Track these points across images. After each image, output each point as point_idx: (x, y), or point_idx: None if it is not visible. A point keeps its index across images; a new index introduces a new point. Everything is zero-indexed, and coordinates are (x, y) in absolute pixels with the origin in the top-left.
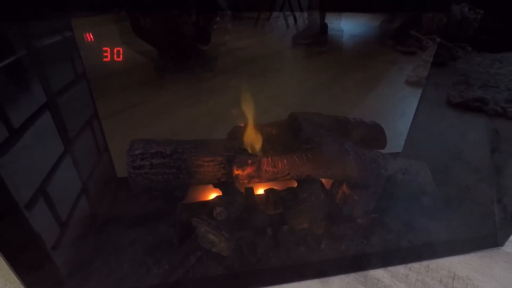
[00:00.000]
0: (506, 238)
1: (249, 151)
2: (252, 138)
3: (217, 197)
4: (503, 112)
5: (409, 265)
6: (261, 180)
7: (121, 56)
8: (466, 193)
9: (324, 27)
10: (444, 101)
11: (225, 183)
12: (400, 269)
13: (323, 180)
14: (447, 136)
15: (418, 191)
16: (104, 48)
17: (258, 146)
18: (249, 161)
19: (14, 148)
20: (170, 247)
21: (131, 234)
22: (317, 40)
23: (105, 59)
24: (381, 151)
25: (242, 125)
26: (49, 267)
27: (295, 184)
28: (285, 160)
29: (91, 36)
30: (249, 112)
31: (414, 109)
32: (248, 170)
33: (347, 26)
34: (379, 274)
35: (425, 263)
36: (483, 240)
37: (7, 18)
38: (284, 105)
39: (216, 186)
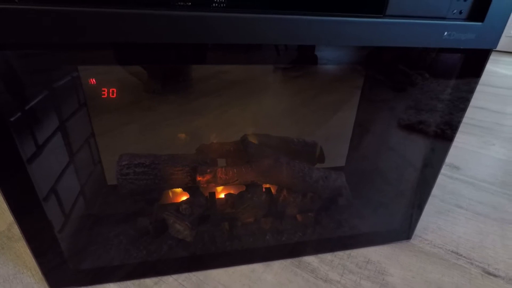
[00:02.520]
0: (412, 232)
1: (210, 163)
2: (214, 153)
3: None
4: (441, 133)
5: (335, 253)
6: (217, 184)
7: (115, 94)
8: (385, 198)
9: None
10: (396, 123)
11: (192, 188)
12: (328, 256)
13: (272, 187)
14: (386, 153)
15: (335, 193)
16: (103, 88)
17: (218, 159)
18: (208, 170)
19: (38, 158)
20: (147, 238)
21: (117, 228)
22: (295, 65)
23: (103, 96)
24: (324, 164)
25: (207, 143)
26: (56, 249)
27: (244, 188)
28: (234, 170)
29: (94, 80)
30: (215, 133)
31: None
32: (207, 177)
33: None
34: (310, 259)
35: (347, 252)
36: (395, 234)
37: (36, 71)
38: (257, 125)
39: (185, 190)
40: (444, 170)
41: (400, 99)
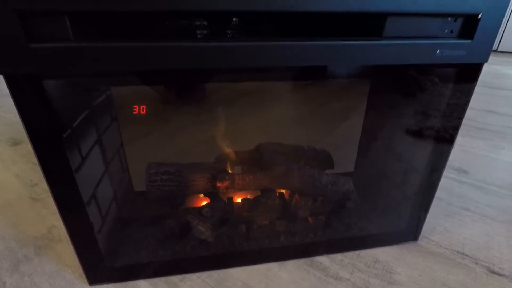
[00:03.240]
0: (419, 233)
1: (229, 171)
2: (231, 161)
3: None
4: (442, 137)
5: (345, 253)
6: (235, 190)
7: (144, 110)
8: (392, 201)
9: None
10: (404, 129)
11: (212, 193)
12: (338, 256)
13: (285, 192)
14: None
15: (344, 197)
16: (134, 106)
17: (235, 166)
18: (227, 177)
19: (82, 167)
20: (173, 239)
21: (146, 230)
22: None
23: (134, 113)
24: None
25: (225, 152)
26: (95, 248)
27: (259, 193)
28: (250, 176)
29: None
30: (232, 142)
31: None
32: (226, 183)
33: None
34: (322, 259)
35: (357, 252)
36: (403, 235)
37: (80, 93)
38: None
39: (206, 195)
40: (452, 174)
41: (404, 105)
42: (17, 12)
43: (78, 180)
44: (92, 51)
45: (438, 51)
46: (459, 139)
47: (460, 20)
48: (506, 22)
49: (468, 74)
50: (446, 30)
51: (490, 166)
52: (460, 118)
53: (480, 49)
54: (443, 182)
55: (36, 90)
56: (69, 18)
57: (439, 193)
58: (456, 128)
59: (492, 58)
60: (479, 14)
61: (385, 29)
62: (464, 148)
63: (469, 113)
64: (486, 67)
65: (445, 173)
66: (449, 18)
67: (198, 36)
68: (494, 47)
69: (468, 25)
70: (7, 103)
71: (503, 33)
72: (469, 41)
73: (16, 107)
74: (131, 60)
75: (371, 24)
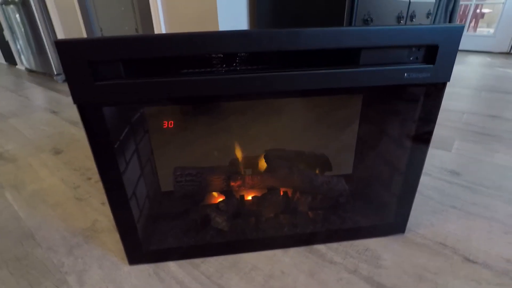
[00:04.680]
0: (405, 226)
1: (241, 172)
2: (243, 165)
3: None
4: (425, 142)
5: (340, 242)
6: (246, 188)
7: (172, 125)
8: (382, 198)
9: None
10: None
11: (227, 191)
12: (334, 245)
13: (288, 190)
14: (380, 161)
15: (337, 194)
16: (164, 121)
17: (246, 169)
18: (239, 178)
19: (126, 171)
20: (196, 229)
21: (173, 221)
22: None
23: (164, 127)
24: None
25: (237, 156)
26: (135, 235)
27: (266, 191)
28: (258, 177)
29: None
30: (242, 148)
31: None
32: (238, 183)
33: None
34: (320, 247)
35: (350, 242)
36: (391, 228)
37: (124, 114)
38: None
39: (222, 193)
40: (445, 176)
41: (388, 115)
42: (87, 61)
43: (124, 181)
44: (138, 85)
45: (406, 74)
46: (457, 144)
47: (423, 50)
48: None
49: (434, 91)
50: (412, 57)
51: (482, 169)
52: (432, 125)
53: (441, 71)
54: (435, 182)
55: (98, 114)
56: (122, 63)
57: (430, 192)
58: (429, 134)
59: (504, 61)
60: (437, 45)
61: (361, 59)
62: (460, 152)
63: (470, 118)
64: (496, 71)
65: (438, 174)
66: (413, 48)
67: (215, 71)
68: (507, 50)
69: (430, 53)
70: (45, 118)
71: None
72: (431, 65)
73: (84, 126)
74: (165, 90)
75: (349, 56)
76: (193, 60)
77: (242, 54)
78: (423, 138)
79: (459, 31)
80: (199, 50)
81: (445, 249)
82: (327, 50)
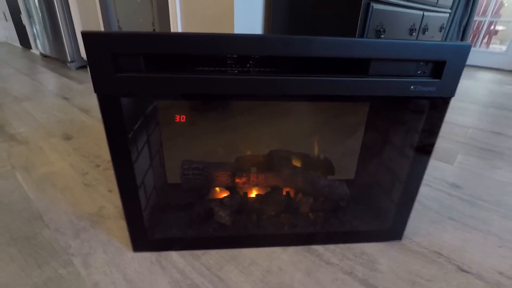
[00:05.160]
0: (402, 234)
1: (245, 170)
2: (248, 163)
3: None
4: (427, 154)
5: (338, 245)
6: (250, 186)
7: (184, 119)
8: (381, 204)
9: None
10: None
11: (231, 187)
12: (331, 246)
13: (290, 190)
14: (382, 168)
15: (338, 198)
16: (176, 116)
17: (251, 167)
18: (244, 175)
19: (138, 160)
20: (199, 221)
21: (178, 213)
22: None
23: (176, 121)
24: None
25: (243, 154)
26: (141, 222)
27: (269, 190)
28: (263, 175)
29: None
30: (249, 146)
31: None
32: (243, 180)
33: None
34: (317, 248)
35: (348, 245)
36: (389, 234)
37: (139, 106)
38: (280, 141)
39: (226, 188)
40: (445, 188)
41: (393, 125)
42: (111, 53)
43: (135, 170)
44: (156, 79)
45: (412, 87)
46: (459, 157)
47: (430, 64)
48: None
49: (439, 104)
50: (419, 71)
51: (482, 183)
52: (435, 137)
53: (447, 86)
54: (435, 193)
55: (115, 105)
56: (143, 57)
57: (429, 203)
58: (431, 146)
59: (510, 78)
60: (445, 61)
61: (370, 69)
62: (463, 165)
63: (475, 133)
64: (506, 89)
65: (439, 186)
66: (421, 63)
67: (229, 71)
68: None
69: (437, 68)
70: (57, 103)
71: None
72: (437, 80)
73: (101, 115)
74: (181, 86)
75: (359, 66)
76: (209, 59)
77: (256, 57)
78: (425, 149)
79: (467, 49)
80: (216, 51)
81: (439, 258)
82: (338, 59)
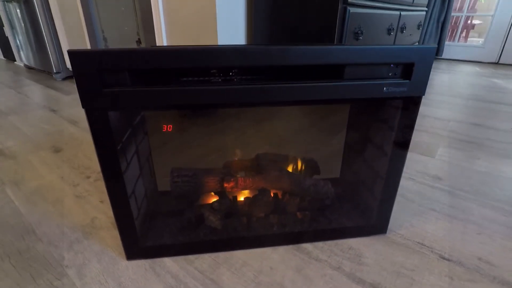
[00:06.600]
0: (386, 227)
1: (233, 174)
2: (236, 167)
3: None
4: (403, 150)
5: (326, 242)
6: (238, 189)
7: (171, 128)
8: (365, 200)
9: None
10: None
11: (221, 192)
12: (320, 244)
13: (278, 192)
14: (364, 166)
15: (324, 196)
16: (163, 125)
17: (239, 171)
18: (232, 179)
19: (127, 170)
20: (190, 227)
21: (169, 219)
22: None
23: (163, 130)
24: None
25: (231, 159)
26: (133, 231)
27: (257, 192)
28: (250, 179)
29: (158, 121)
30: (236, 151)
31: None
32: (231, 184)
33: None
34: (306, 246)
35: (335, 241)
36: (373, 229)
37: (128, 118)
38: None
39: (216, 193)
40: (427, 180)
41: (371, 124)
42: (97, 70)
43: (125, 180)
44: (141, 93)
45: (385, 88)
46: (441, 150)
47: (400, 67)
48: (507, 33)
49: (410, 103)
50: (391, 73)
51: (463, 174)
52: (409, 134)
53: (417, 86)
54: (418, 187)
55: (103, 118)
56: (128, 73)
57: (412, 196)
58: (407, 142)
59: (492, 71)
60: (413, 62)
61: (344, 74)
62: (444, 158)
63: (455, 126)
64: (484, 81)
65: (421, 179)
66: (392, 65)
67: (212, 80)
68: (495, 60)
69: (406, 70)
70: (44, 116)
71: (504, 45)
72: (407, 81)
73: (90, 129)
74: (166, 98)
75: (335, 71)
76: (193, 70)
77: (238, 68)
78: (402, 145)
79: (432, 51)
80: (199, 63)
81: (422, 248)
82: (314, 66)
